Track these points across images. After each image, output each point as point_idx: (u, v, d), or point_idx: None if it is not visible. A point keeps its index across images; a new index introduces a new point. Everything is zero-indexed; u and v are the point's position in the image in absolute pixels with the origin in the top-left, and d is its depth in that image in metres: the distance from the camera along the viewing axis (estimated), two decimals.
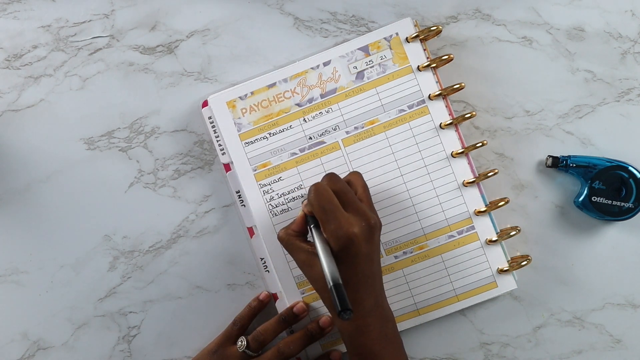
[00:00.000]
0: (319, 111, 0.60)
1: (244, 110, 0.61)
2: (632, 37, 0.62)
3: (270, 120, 0.61)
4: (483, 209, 0.60)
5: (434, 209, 0.60)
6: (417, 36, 0.59)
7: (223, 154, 0.61)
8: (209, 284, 0.63)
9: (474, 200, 0.60)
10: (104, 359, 0.63)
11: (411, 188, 0.60)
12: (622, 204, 0.60)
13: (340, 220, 0.51)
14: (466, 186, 0.60)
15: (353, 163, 0.60)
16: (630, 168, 0.60)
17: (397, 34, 0.60)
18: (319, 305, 0.61)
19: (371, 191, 0.57)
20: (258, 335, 0.60)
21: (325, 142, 0.61)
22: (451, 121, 0.59)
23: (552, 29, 0.62)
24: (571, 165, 0.60)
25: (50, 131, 0.62)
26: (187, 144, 0.63)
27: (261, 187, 0.61)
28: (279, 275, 0.61)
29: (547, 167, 0.61)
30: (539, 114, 0.62)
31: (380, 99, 0.60)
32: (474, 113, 0.59)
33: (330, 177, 0.54)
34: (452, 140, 0.60)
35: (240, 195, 0.61)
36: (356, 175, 0.57)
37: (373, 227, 0.52)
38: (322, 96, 0.60)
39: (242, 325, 0.61)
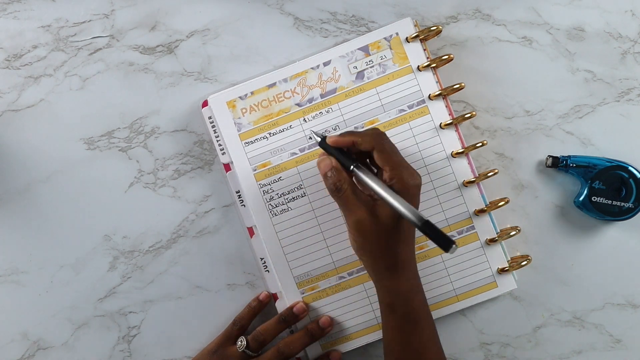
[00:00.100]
0: (319, 111, 0.60)
1: (244, 110, 0.61)
2: (632, 37, 0.62)
3: (270, 120, 0.61)
4: (483, 209, 0.60)
5: (434, 209, 0.60)
6: (417, 36, 0.59)
7: (223, 154, 0.61)
8: (209, 284, 0.63)
9: (474, 200, 0.60)
10: (104, 359, 0.63)
11: None
12: (622, 204, 0.60)
13: (410, 168, 0.49)
14: (466, 186, 0.60)
15: None
16: (630, 168, 0.60)
17: (397, 34, 0.60)
18: (319, 305, 0.61)
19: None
20: (258, 335, 0.60)
21: None
22: (451, 121, 0.59)
23: (552, 29, 0.62)
24: (571, 165, 0.60)
25: (50, 131, 0.62)
26: (187, 144, 0.63)
27: (261, 187, 0.61)
28: (279, 275, 0.61)
29: (547, 167, 0.61)
30: (539, 114, 0.62)
31: (380, 99, 0.60)
32: (474, 113, 0.59)
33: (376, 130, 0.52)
34: (452, 140, 0.60)
35: (240, 195, 0.61)
36: (385, 135, 0.53)
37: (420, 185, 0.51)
38: (322, 96, 0.60)
39: (242, 325, 0.61)
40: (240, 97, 0.61)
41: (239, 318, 0.61)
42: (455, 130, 0.60)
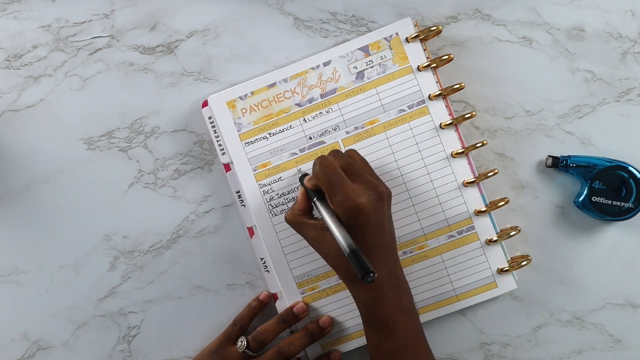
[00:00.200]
0: (319, 111, 0.60)
1: (244, 110, 0.61)
2: (632, 37, 0.62)
3: (270, 120, 0.61)
4: (483, 209, 0.60)
5: (434, 209, 0.60)
6: (417, 36, 0.59)
7: (223, 154, 0.61)
8: (209, 284, 0.63)
9: (474, 200, 0.60)
10: (104, 359, 0.63)
11: (411, 188, 0.60)
12: (622, 204, 0.60)
13: (347, 190, 0.51)
14: (466, 186, 0.60)
15: None
16: (630, 168, 0.60)
17: (397, 34, 0.60)
18: (319, 305, 0.61)
19: None
20: (258, 335, 0.60)
21: (325, 142, 0.61)
22: (451, 121, 0.59)
23: (552, 29, 0.62)
24: (571, 165, 0.60)
25: (50, 131, 0.62)
26: (187, 144, 0.63)
27: (261, 187, 0.61)
28: (279, 275, 0.61)
29: (547, 167, 0.61)
30: (539, 114, 0.62)
31: (380, 99, 0.60)
32: (474, 113, 0.59)
33: (334, 153, 0.55)
34: (452, 140, 0.60)
35: (240, 195, 0.61)
36: (353, 151, 0.58)
37: (381, 195, 0.52)
38: (322, 96, 0.60)
39: (242, 325, 0.61)
40: (240, 97, 0.61)
41: (239, 318, 0.61)
42: (455, 130, 0.60)
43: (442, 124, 0.60)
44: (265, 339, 0.60)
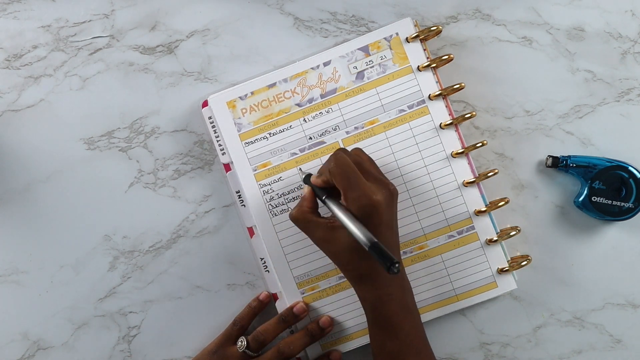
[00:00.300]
0: (319, 111, 0.60)
1: (244, 110, 0.61)
2: (632, 37, 0.62)
3: (270, 120, 0.61)
4: (483, 209, 0.60)
5: (434, 209, 0.60)
6: (417, 36, 0.59)
7: (223, 154, 0.61)
8: (209, 284, 0.63)
9: (474, 200, 0.60)
10: (104, 359, 0.63)
11: (411, 188, 0.60)
12: (622, 204, 0.60)
13: (364, 187, 0.51)
14: (466, 186, 0.60)
15: None
16: (630, 168, 0.60)
17: (397, 34, 0.60)
18: (319, 305, 0.61)
19: None
20: (258, 336, 0.60)
21: (325, 142, 0.61)
22: (451, 121, 0.59)
23: (552, 29, 0.62)
24: (571, 165, 0.60)
25: (50, 131, 0.62)
26: (187, 144, 0.63)
27: (261, 187, 0.61)
28: (279, 275, 0.61)
29: (547, 167, 0.61)
30: (539, 114, 0.62)
31: (380, 99, 0.60)
32: (474, 113, 0.59)
33: (344, 150, 0.55)
34: (452, 140, 0.60)
35: (240, 195, 0.61)
36: (359, 150, 0.58)
37: (392, 194, 0.53)
38: (322, 96, 0.60)
39: (242, 325, 0.61)
40: (240, 97, 0.61)
41: (239, 318, 0.61)
42: (455, 130, 0.60)
43: (442, 124, 0.60)
44: (265, 339, 0.60)
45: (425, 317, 0.61)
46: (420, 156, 0.60)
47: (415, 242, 0.61)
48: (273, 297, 0.62)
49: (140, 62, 0.62)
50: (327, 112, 0.60)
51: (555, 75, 0.62)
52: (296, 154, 0.61)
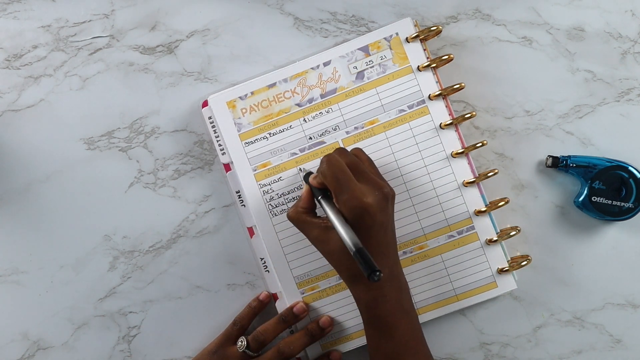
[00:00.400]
0: (319, 111, 0.60)
1: (244, 110, 0.61)
2: (632, 37, 0.62)
3: (270, 120, 0.61)
4: (483, 209, 0.60)
5: (434, 209, 0.60)
6: (417, 36, 0.59)
7: (223, 154, 0.61)
8: (209, 284, 0.63)
9: (474, 200, 0.60)
10: (104, 359, 0.63)
11: (411, 188, 0.60)
12: (622, 204, 0.60)
13: (354, 190, 0.51)
14: (466, 186, 0.60)
15: None
16: (630, 168, 0.60)
17: (397, 34, 0.60)
18: (319, 305, 0.61)
19: None
20: (258, 336, 0.60)
21: (325, 142, 0.61)
22: (451, 121, 0.59)
23: (552, 29, 0.62)
24: (571, 165, 0.60)
25: (50, 131, 0.62)
26: (187, 144, 0.63)
27: (261, 187, 0.61)
28: (279, 275, 0.61)
29: (547, 167, 0.61)
30: (539, 114, 0.62)
31: (380, 99, 0.60)
32: (474, 113, 0.59)
33: (340, 151, 0.55)
34: (452, 140, 0.60)
35: (240, 195, 0.61)
36: (359, 150, 0.58)
37: (387, 196, 0.53)
38: (322, 96, 0.60)
39: (242, 325, 0.61)
40: (240, 97, 0.61)
41: (239, 318, 0.61)
42: (455, 130, 0.60)
43: (442, 124, 0.60)
44: (265, 339, 0.60)
45: (425, 317, 0.61)
46: (420, 156, 0.60)
47: (415, 242, 0.61)
48: (273, 297, 0.62)
49: (140, 62, 0.62)
50: (327, 112, 0.60)
51: (555, 75, 0.62)
52: (296, 154, 0.61)
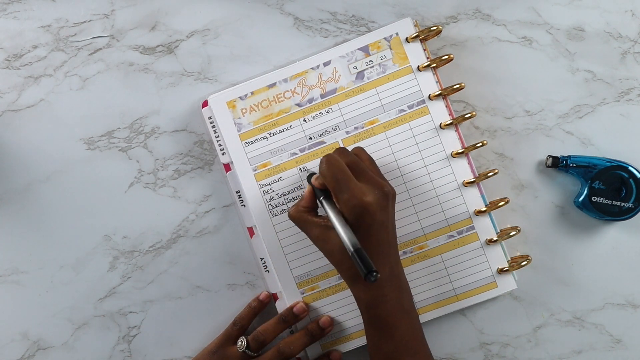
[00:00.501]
0: (319, 111, 0.60)
1: (244, 110, 0.61)
2: (632, 37, 0.62)
3: (270, 120, 0.61)
4: (483, 209, 0.60)
5: (434, 209, 0.60)
6: (417, 36, 0.59)
7: (223, 154, 0.61)
8: (209, 284, 0.63)
9: (474, 200, 0.60)
10: (104, 359, 0.63)
11: (411, 188, 0.60)
12: (622, 204, 0.60)
13: (354, 189, 0.51)
14: (466, 186, 0.60)
15: None
16: (630, 168, 0.60)
17: (397, 34, 0.60)
18: (319, 305, 0.61)
19: None
20: (258, 336, 0.60)
21: (325, 142, 0.61)
22: (451, 121, 0.59)
23: (552, 29, 0.62)
24: (571, 165, 0.60)
25: (50, 131, 0.62)
26: (187, 144, 0.63)
27: (261, 187, 0.61)
28: (279, 275, 0.61)
29: (547, 167, 0.61)
30: (539, 114, 0.62)
31: (380, 99, 0.60)
32: (474, 113, 0.59)
33: (340, 150, 0.55)
34: (452, 140, 0.60)
35: (240, 195, 0.61)
36: (360, 149, 0.58)
37: (387, 195, 0.53)
38: (322, 96, 0.60)
39: (242, 325, 0.61)
40: (240, 97, 0.61)
41: (239, 318, 0.61)
42: (455, 130, 0.60)
43: (442, 124, 0.60)
44: (265, 339, 0.60)
45: (425, 317, 0.61)
46: (420, 156, 0.60)
47: (415, 242, 0.61)
48: (273, 297, 0.62)
49: (140, 62, 0.62)
50: (327, 112, 0.60)
51: (555, 75, 0.62)
52: (296, 154, 0.61)
